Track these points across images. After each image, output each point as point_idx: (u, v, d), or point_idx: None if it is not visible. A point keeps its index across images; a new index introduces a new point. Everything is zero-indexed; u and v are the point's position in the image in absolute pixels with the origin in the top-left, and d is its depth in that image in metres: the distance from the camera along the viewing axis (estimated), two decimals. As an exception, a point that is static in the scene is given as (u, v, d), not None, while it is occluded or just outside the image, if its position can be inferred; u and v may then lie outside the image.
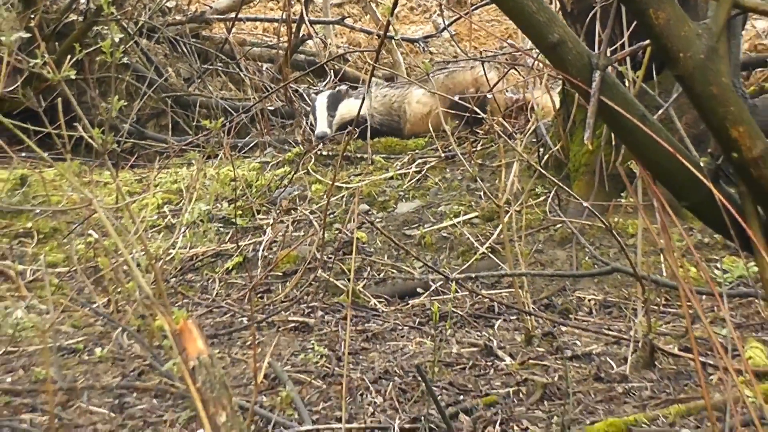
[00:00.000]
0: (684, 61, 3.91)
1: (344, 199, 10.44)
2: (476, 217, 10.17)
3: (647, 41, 4.12)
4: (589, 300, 8.96)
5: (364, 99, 11.35)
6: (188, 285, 9.46)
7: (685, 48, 3.90)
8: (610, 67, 4.29)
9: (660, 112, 4.20)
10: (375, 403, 7.72)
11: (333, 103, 12.12)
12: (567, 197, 9.64)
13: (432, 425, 7.20)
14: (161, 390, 7.95)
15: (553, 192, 9.91)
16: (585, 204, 8.65)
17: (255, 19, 14.66)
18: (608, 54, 4.32)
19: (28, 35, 9.88)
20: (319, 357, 8.32)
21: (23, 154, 9.75)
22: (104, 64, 11.82)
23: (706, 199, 4.18)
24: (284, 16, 14.01)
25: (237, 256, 9.97)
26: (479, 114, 10.97)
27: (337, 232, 10.00)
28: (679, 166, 4.10)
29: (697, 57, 3.90)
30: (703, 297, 7.06)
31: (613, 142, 9.11)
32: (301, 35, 13.76)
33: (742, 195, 4.09)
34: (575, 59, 4.06)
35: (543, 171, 9.41)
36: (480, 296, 8.97)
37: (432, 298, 9.12)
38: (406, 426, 7.25)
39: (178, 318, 5.60)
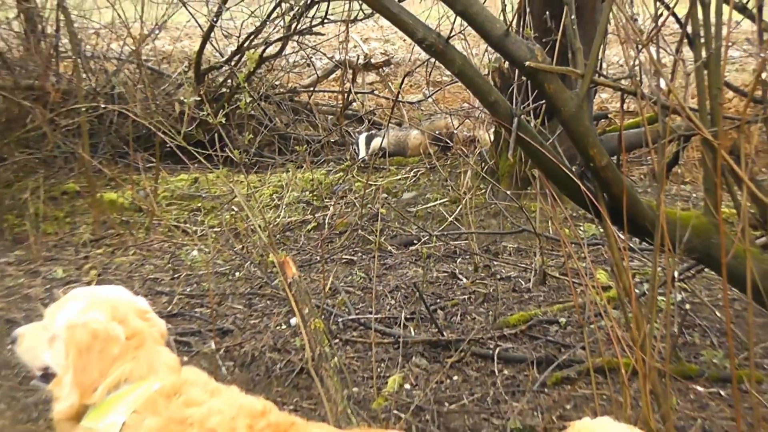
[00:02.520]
0: (564, 113, 4.10)
1: (373, 191, 10.15)
2: (447, 201, 10.06)
3: (543, 101, 4.22)
4: (510, 247, 9.34)
5: (384, 137, 11.93)
6: (287, 238, 9.60)
7: (564, 105, 4.08)
8: (523, 116, 4.37)
9: (549, 141, 4.33)
10: (390, 303, 8.06)
11: (368, 140, 12.11)
12: (497, 190, 9.92)
13: (422, 316, 7.58)
14: (272, 295, 8.27)
15: (489, 187, 10.10)
16: (507, 193, 8.99)
17: (324, 91, 14.39)
18: (522, 108, 4.42)
19: (199, 98, 10.07)
20: (359, 278, 8.70)
21: (195, 165, 9.93)
22: (241, 115, 11.65)
23: (576, 189, 4.25)
24: (340, 89, 13.62)
25: (313, 222, 10.19)
26: (449, 143, 10.97)
27: (369, 209, 10.00)
28: (561, 172, 4.27)
29: (571, 110, 4.09)
30: (573, 245, 7.08)
31: (523, 158, 8.89)
32: (349, 100, 13.38)
33: (595, 187, 4.24)
34: (504, 110, 4.23)
35: (484, 175, 9.99)
36: (449, 245, 9.20)
37: (422, 245, 9.19)
38: (408, 316, 7.61)
39: (281, 256, 5.95)
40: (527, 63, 4.17)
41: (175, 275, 8.84)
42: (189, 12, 13.01)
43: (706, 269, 5.64)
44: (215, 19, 12.43)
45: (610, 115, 12.37)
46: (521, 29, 4.48)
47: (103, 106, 10.77)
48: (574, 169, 4.50)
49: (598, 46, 4.39)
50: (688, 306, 7.09)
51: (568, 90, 4.32)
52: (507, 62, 8.75)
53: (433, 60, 13.32)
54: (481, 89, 4.45)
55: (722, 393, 6.05)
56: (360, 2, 12.10)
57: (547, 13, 4.89)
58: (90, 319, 3.80)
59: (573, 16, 4.22)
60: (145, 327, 3.90)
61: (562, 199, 4.89)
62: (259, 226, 8.11)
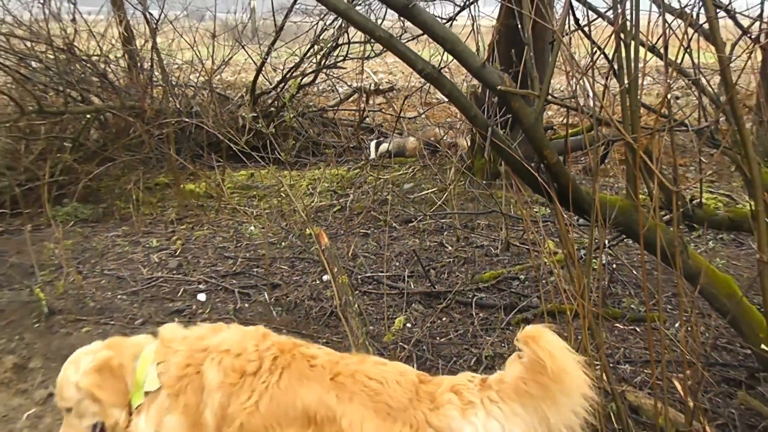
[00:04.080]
0: (525, 123, 4.04)
1: (382, 182, 10.10)
2: (436, 190, 10.18)
3: (509, 115, 4.15)
4: (483, 223, 9.21)
5: (389, 143, 11.92)
6: (319, 217, 9.59)
7: (526, 117, 4.03)
8: (495, 126, 4.30)
9: (514, 144, 4.27)
10: (396, 265, 8.04)
11: (377, 145, 12.01)
12: (473, 182, 9.87)
13: (419, 274, 7.60)
14: (309, 259, 8.26)
15: (467, 180, 9.98)
16: (481, 183, 8.92)
17: (344, 109, 14.26)
18: (494, 120, 4.38)
19: (254, 115, 9.99)
20: (372, 246, 8.64)
21: (252, 164, 9.81)
22: (284, 127, 11.63)
23: (534, 180, 4.17)
24: (357, 108, 13.52)
25: (338, 206, 9.98)
26: (437, 147, 10.97)
27: (379, 196, 9.96)
28: (523, 167, 4.19)
29: (531, 121, 4.04)
30: (530, 222, 7.01)
31: (492, 158, 8.95)
32: (363, 116, 13.34)
33: (548, 178, 4.17)
34: (482, 122, 4.15)
35: (464, 171, 9.84)
36: (438, 222, 9.18)
37: (418, 222, 9.20)
38: (408, 274, 7.61)
39: (316, 229, 5.92)
40: (499, 87, 4.17)
41: (238, 244, 8.84)
42: (246, 52, 13.10)
43: (626, 239, 5.64)
44: (266, 57, 12.53)
45: (554, 127, 12.35)
46: (491, 62, 4.40)
47: (185, 120, 10.81)
48: (532, 165, 4.43)
49: (549, 75, 4.38)
50: (613, 266, 7.13)
51: (528, 107, 4.28)
52: (481, 86, 8.82)
53: (426, 86, 13.55)
54: (465, 106, 4.39)
55: (638, 329, 6.21)
56: (372, 44, 12.32)
57: (513, 51, 4.87)
58: (84, 363, 3.75)
59: (531, 53, 4.23)
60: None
61: (523, 187, 4.86)
62: (299, 208, 8.13)
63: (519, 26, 4.32)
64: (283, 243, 8.83)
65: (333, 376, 3.40)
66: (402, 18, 8.69)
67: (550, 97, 4.52)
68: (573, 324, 4.41)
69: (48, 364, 6.00)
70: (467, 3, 10.71)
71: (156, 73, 11.65)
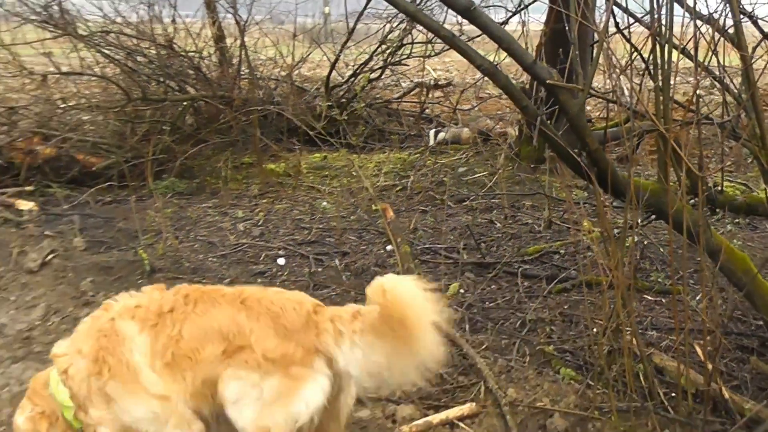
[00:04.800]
0: (570, 113, 4.02)
1: (439, 166, 10.24)
2: (487, 173, 9.95)
3: (556, 106, 4.13)
4: (528, 204, 9.03)
5: (446, 132, 11.94)
6: (383, 195, 9.44)
7: (571, 108, 4.00)
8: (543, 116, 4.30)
9: (559, 133, 4.26)
10: (450, 238, 7.94)
11: (435, 134, 11.96)
12: (520, 166, 9.60)
13: (471, 246, 7.53)
14: (375, 231, 8.17)
15: (515, 165, 9.91)
16: (528, 168, 8.75)
17: (407, 101, 14.20)
18: (542, 111, 4.36)
19: (330, 104, 10.00)
20: (430, 221, 8.54)
21: (325, 147, 9.99)
22: (355, 116, 11.70)
23: (576, 164, 4.16)
24: (418, 100, 13.53)
25: (400, 186, 9.94)
26: (489, 136, 10.87)
27: (436, 177, 10.08)
28: (567, 153, 4.19)
29: (575, 112, 4.00)
30: (573, 204, 6.94)
31: (538, 146, 8.76)
32: (423, 107, 13.40)
33: (589, 163, 4.16)
34: (532, 112, 4.14)
35: (512, 157, 9.76)
36: (489, 201, 9.10)
37: (471, 201, 9.14)
38: (462, 247, 7.51)
39: (382, 205, 5.91)
40: (548, 81, 4.16)
41: (313, 217, 8.83)
42: (322, 50, 13.16)
43: (656, 220, 5.61)
44: (338, 55, 12.53)
45: (592, 120, 12.23)
46: (540, 60, 4.38)
47: (268, 108, 10.99)
48: (575, 151, 4.42)
49: (592, 72, 4.39)
50: (644, 243, 7.05)
51: (573, 99, 4.25)
52: (529, 82, 8.79)
53: (479, 82, 13.55)
54: (517, 97, 4.37)
55: (663, 300, 6.16)
56: (432, 44, 12.36)
57: (561, 50, 4.84)
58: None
59: (576, 52, 4.22)
60: None
61: (565, 172, 4.84)
62: (368, 186, 8.18)
63: (566, 28, 4.31)
64: (351, 216, 8.80)
65: (242, 301, 3.58)
66: (459, 22, 8.91)
67: (592, 91, 4.48)
68: (608, 293, 4.44)
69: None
70: (518, 8, 10.73)
71: (243, 68, 11.72)
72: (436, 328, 3.36)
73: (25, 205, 9.15)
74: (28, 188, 9.79)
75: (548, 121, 4.37)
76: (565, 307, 6.13)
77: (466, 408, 4.58)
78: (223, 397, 3.50)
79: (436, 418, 4.52)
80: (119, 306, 3.74)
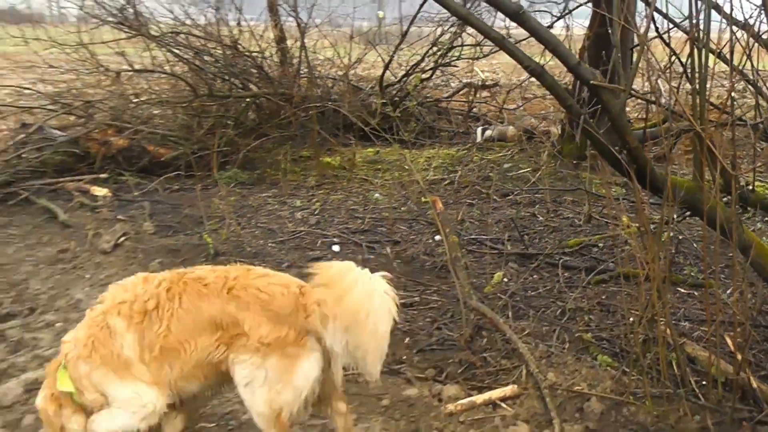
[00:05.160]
0: (612, 113, 3.99)
1: (486, 161, 10.30)
2: (530, 169, 10.15)
3: (598, 105, 4.10)
4: (569, 199, 9.01)
5: (492, 129, 11.83)
6: (432, 188, 9.37)
7: (613, 108, 3.97)
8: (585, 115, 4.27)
9: (600, 132, 4.23)
10: (495, 230, 7.95)
11: (483, 131, 11.95)
12: (563, 163, 9.62)
13: (515, 238, 7.53)
14: (424, 221, 8.17)
15: (557, 162, 9.90)
16: (570, 165, 8.63)
17: (456, 101, 14.22)
18: (585, 110, 4.33)
19: (383, 102, 10.03)
20: (477, 214, 8.51)
21: (378, 142, 10.05)
22: (406, 113, 11.83)
23: (617, 161, 4.15)
24: (466, 100, 13.50)
25: (448, 180, 9.90)
26: (533, 134, 10.84)
27: (482, 172, 10.04)
28: (608, 150, 4.17)
29: (617, 111, 3.99)
30: (612, 200, 6.84)
31: (579, 144, 8.75)
32: (471, 106, 13.49)
33: (629, 160, 4.14)
34: (576, 111, 4.13)
35: (555, 154, 9.73)
36: (532, 196, 9.08)
37: (515, 196, 9.11)
38: (506, 238, 7.52)
39: (432, 197, 5.92)
40: (591, 81, 4.15)
41: (366, 207, 8.87)
42: (377, 51, 13.15)
43: (690, 216, 5.56)
44: (392, 56, 12.66)
45: (630, 120, 12.13)
46: (583, 61, 4.35)
47: (325, 105, 11.10)
48: (616, 148, 4.40)
49: (633, 73, 4.35)
50: (679, 238, 7.01)
51: (615, 99, 4.22)
52: (572, 83, 8.75)
53: (524, 84, 13.57)
54: (562, 97, 4.37)
55: (696, 293, 6.07)
56: (481, 47, 12.41)
57: (604, 52, 4.80)
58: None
59: (619, 54, 4.22)
60: None
61: (605, 169, 4.81)
62: (419, 179, 8.19)
63: (609, 32, 4.30)
64: (402, 208, 8.82)
65: (228, 290, 3.62)
66: (507, 26, 8.91)
67: (632, 92, 4.45)
68: (644, 285, 4.40)
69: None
70: (563, 13, 10.73)
71: (303, 67, 11.78)
72: (387, 323, 3.51)
73: (99, 191, 9.45)
74: (102, 176, 10.01)
75: (591, 120, 4.37)
76: (603, 297, 6.09)
77: (508, 390, 4.61)
78: (235, 381, 3.64)
79: (479, 398, 4.55)
80: (108, 301, 3.78)
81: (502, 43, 4.25)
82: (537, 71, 4.26)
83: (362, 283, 3.53)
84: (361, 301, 3.49)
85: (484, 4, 10.91)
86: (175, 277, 3.77)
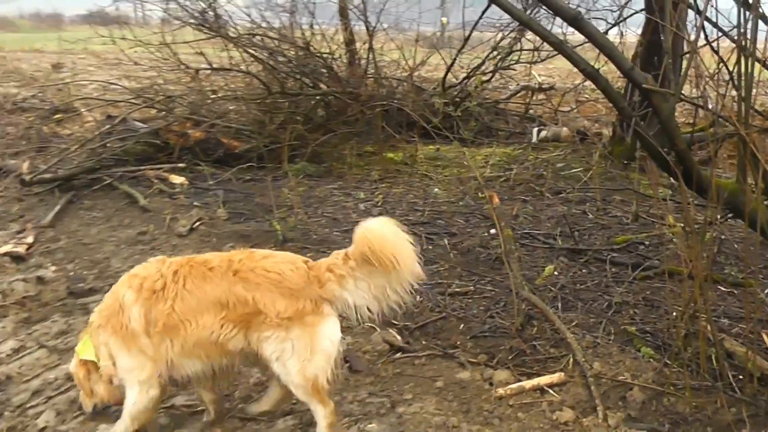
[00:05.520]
0: (662, 115, 3.98)
1: (540, 161, 10.30)
2: (582, 169, 9.91)
3: (649, 108, 4.08)
4: (618, 198, 8.83)
5: (548, 130, 12.02)
6: (489, 184, 9.17)
7: (663, 111, 3.95)
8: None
9: (650, 134, 4.21)
10: (547, 226, 7.85)
11: (538, 132, 11.89)
12: (613, 164, 9.44)
13: (566, 233, 7.45)
14: (480, 215, 8.15)
15: (608, 162, 9.65)
16: (619, 166, 8.62)
17: (514, 102, 14.13)
18: (637, 112, 4.31)
19: (445, 102, 9.95)
20: (530, 210, 8.44)
21: (439, 140, 10.06)
22: (466, 112, 11.86)
23: (665, 162, 4.14)
24: (523, 101, 13.54)
25: (504, 177, 9.80)
26: (586, 135, 10.69)
27: (537, 171, 9.84)
28: (657, 151, 4.16)
29: (666, 114, 3.98)
30: (659, 200, 6.78)
31: (630, 145, 8.63)
32: (528, 108, 13.39)
33: (676, 161, 4.11)
34: (628, 113, 4.16)
35: (606, 155, 9.56)
36: (583, 194, 8.96)
37: (567, 194, 9.01)
38: (557, 234, 7.50)
39: (489, 192, 5.92)
40: (644, 85, 4.14)
41: (425, 201, 8.87)
42: (440, 55, 13.17)
43: (732, 218, 5.49)
44: (454, 59, 12.63)
45: (678, 125, 12.02)
46: (636, 66, 4.33)
47: (390, 104, 11.08)
48: (664, 150, 4.36)
49: (683, 79, 4.32)
50: (721, 239, 6.84)
51: (665, 102, 4.21)
52: (624, 88, 8.68)
53: (578, 87, 13.48)
54: (615, 99, 4.44)
55: (735, 292, 5.97)
56: (539, 52, 12.39)
57: (656, 58, 4.77)
58: None
59: (670, 60, 4.21)
60: None
61: (654, 170, 4.77)
62: (477, 175, 8.18)
63: (661, 39, 4.28)
64: (460, 202, 8.79)
65: (234, 273, 3.70)
66: (563, 32, 8.87)
67: (682, 96, 4.45)
68: (687, 283, 4.41)
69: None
70: (618, 20, 10.66)
71: (370, 68, 11.85)
72: (409, 250, 3.65)
73: (177, 179, 9.64)
74: (180, 165, 10.17)
75: (641, 123, 4.35)
76: (648, 292, 6.02)
77: (555, 377, 4.63)
78: (264, 358, 3.72)
79: (528, 383, 4.58)
80: (128, 274, 3.91)
81: (560, 47, 4.27)
82: (592, 74, 4.28)
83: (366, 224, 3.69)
84: (373, 236, 3.62)
85: (542, 11, 10.95)
86: (184, 261, 3.87)
